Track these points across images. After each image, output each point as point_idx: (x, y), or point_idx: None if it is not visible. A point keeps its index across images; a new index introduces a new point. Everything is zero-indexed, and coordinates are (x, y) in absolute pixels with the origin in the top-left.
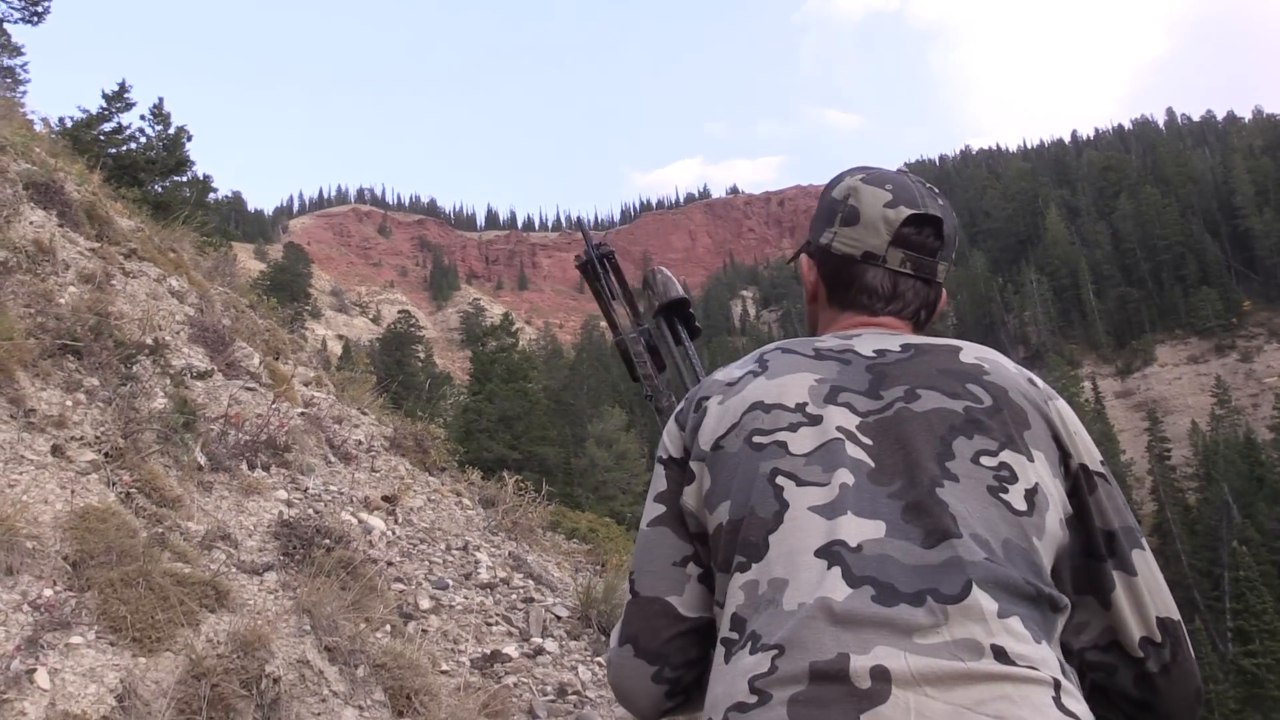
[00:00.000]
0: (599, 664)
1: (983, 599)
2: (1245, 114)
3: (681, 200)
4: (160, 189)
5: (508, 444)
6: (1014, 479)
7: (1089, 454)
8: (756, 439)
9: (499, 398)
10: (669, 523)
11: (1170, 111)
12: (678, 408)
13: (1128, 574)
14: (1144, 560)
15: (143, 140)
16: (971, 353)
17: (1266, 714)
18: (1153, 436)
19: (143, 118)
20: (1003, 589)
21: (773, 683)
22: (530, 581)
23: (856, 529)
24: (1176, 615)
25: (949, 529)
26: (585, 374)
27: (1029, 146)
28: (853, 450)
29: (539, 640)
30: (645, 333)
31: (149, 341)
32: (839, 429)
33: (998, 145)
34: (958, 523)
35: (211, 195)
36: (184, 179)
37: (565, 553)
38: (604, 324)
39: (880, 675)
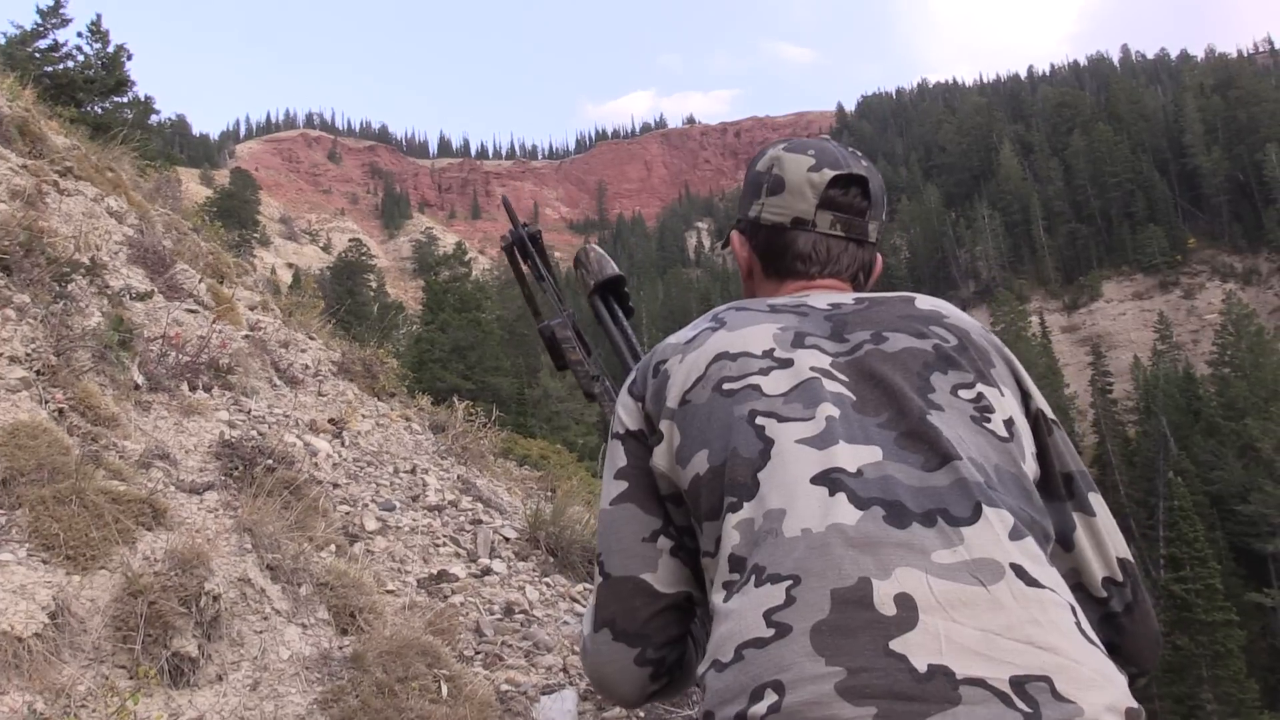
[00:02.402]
0: (546, 584)
1: (995, 521)
2: (1199, 52)
3: (638, 130)
4: (99, 110)
5: (461, 374)
6: (992, 410)
7: (1043, 400)
8: (726, 386)
9: (452, 328)
10: (633, 498)
11: (1125, 49)
12: (629, 379)
13: (1087, 515)
14: (1099, 502)
15: (80, 59)
16: (926, 301)
17: (1193, 636)
18: (1096, 370)
19: (80, 35)
20: (1011, 512)
21: (791, 614)
22: (479, 504)
23: (852, 455)
24: (1130, 556)
25: (949, 451)
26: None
27: (985, 81)
28: (831, 386)
29: (486, 561)
30: (570, 316)
31: (85, 260)
32: (813, 369)
33: (954, 79)
34: (956, 446)
35: (154, 117)
36: (124, 100)
37: (516, 479)
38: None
39: (905, 603)
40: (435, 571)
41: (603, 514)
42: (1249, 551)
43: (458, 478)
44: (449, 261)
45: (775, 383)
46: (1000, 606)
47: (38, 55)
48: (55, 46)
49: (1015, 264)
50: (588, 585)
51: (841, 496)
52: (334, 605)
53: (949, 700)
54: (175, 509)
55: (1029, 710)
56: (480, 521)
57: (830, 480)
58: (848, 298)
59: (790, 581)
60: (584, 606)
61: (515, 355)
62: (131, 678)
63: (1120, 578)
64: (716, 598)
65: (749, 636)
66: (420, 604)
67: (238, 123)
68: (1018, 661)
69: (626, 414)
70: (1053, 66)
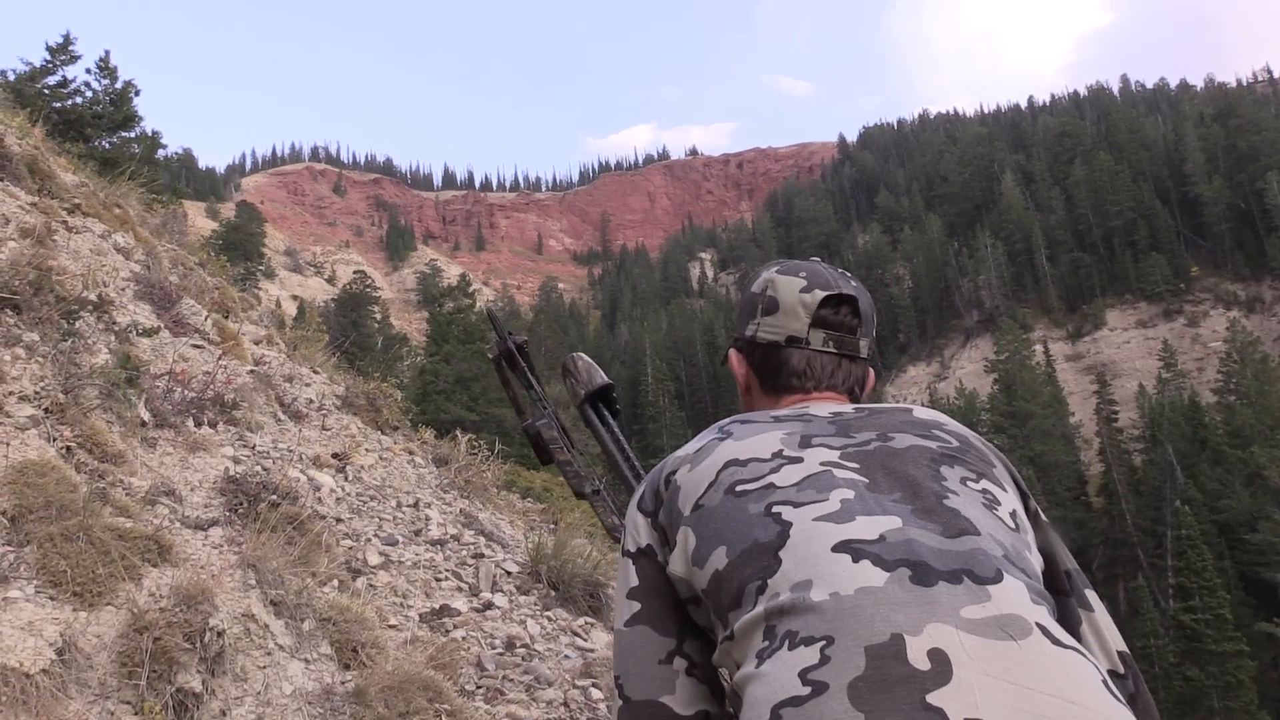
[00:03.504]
0: (548, 618)
1: (1016, 585)
2: (1198, 82)
3: (640, 162)
4: (107, 145)
5: (465, 405)
6: (998, 502)
7: (1036, 504)
8: (739, 488)
9: (456, 359)
10: (646, 619)
11: (1125, 79)
12: (637, 494)
13: (1087, 610)
14: (1095, 599)
15: (89, 95)
16: (924, 411)
17: (1203, 666)
18: (1101, 399)
19: (88, 71)
20: (1028, 586)
21: (826, 672)
22: (481, 538)
23: (871, 525)
24: (1128, 649)
25: (966, 528)
26: (543, 335)
27: (986, 111)
28: (842, 474)
29: (488, 595)
30: (555, 416)
31: (92, 297)
32: (822, 463)
33: (955, 110)
34: (974, 524)
35: (161, 152)
36: (132, 135)
37: (519, 511)
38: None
39: (938, 658)
40: (437, 606)
41: (618, 635)
42: (1258, 581)
43: (460, 511)
44: (453, 293)
45: (787, 476)
46: (1031, 661)
47: (46, 91)
48: (64, 83)
49: (1018, 293)
50: (589, 619)
51: (866, 562)
52: (336, 640)
53: None
54: (180, 545)
55: None
56: (482, 555)
57: (852, 549)
58: (847, 408)
59: (824, 642)
60: (585, 640)
61: None
62: (137, 713)
63: (1122, 670)
64: (747, 668)
65: (785, 696)
66: (422, 639)
67: (243, 156)
68: (1051, 715)
69: (637, 531)
70: (1053, 96)
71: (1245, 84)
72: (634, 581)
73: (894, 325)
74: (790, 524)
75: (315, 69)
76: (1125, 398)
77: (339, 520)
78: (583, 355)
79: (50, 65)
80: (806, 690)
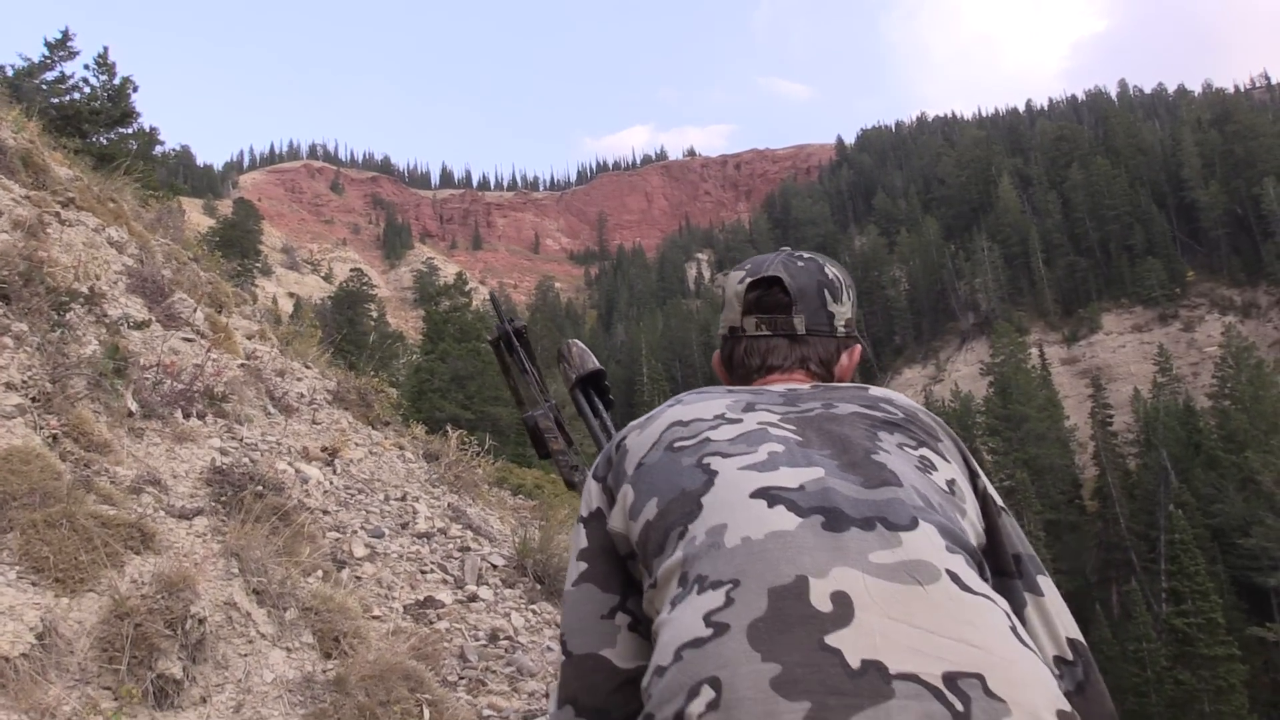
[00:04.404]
0: (533, 610)
1: (931, 532)
2: (1196, 87)
3: (638, 162)
4: (104, 141)
5: (460, 404)
6: (934, 468)
7: (991, 486)
8: (678, 444)
9: (452, 357)
10: (592, 578)
11: (1122, 83)
12: (594, 464)
13: (1036, 595)
14: (1048, 584)
15: (86, 90)
16: (878, 390)
17: (1195, 670)
18: (1096, 403)
19: (86, 67)
20: (945, 534)
21: (729, 614)
22: (468, 532)
23: (794, 475)
24: (1082, 637)
25: (889, 479)
26: (539, 335)
27: (983, 115)
28: (777, 432)
29: (473, 587)
30: (552, 408)
31: (84, 289)
32: (759, 423)
33: (953, 113)
34: (898, 477)
35: (158, 148)
36: (129, 131)
37: (510, 507)
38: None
39: (841, 600)
40: (422, 598)
41: (566, 595)
42: (1250, 585)
43: (448, 505)
44: (449, 291)
45: (723, 433)
46: (935, 605)
47: (44, 87)
48: (62, 78)
49: (1014, 296)
50: None
51: (781, 508)
52: (319, 630)
53: (881, 695)
54: (164, 533)
55: (960, 706)
56: (469, 549)
57: (769, 495)
58: (803, 385)
59: (730, 585)
60: None
61: None
62: (116, 699)
63: (1071, 656)
64: (663, 613)
65: (688, 638)
66: (405, 629)
67: (241, 153)
68: (951, 658)
69: (589, 496)
70: (1050, 100)
71: (1243, 90)
72: (583, 544)
73: (890, 327)
74: (716, 473)
75: (314, 67)
76: (1120, 402)
77: (325, 512)
78: (577, 341)
79: (48, 61)
80: (709, 632)
